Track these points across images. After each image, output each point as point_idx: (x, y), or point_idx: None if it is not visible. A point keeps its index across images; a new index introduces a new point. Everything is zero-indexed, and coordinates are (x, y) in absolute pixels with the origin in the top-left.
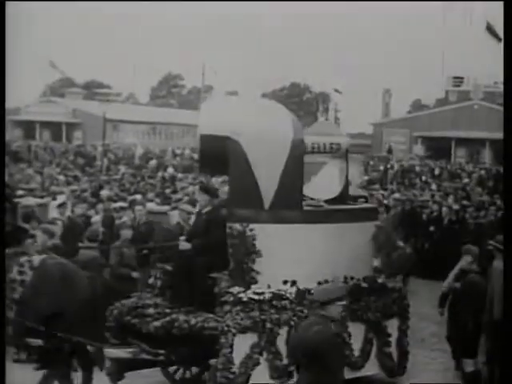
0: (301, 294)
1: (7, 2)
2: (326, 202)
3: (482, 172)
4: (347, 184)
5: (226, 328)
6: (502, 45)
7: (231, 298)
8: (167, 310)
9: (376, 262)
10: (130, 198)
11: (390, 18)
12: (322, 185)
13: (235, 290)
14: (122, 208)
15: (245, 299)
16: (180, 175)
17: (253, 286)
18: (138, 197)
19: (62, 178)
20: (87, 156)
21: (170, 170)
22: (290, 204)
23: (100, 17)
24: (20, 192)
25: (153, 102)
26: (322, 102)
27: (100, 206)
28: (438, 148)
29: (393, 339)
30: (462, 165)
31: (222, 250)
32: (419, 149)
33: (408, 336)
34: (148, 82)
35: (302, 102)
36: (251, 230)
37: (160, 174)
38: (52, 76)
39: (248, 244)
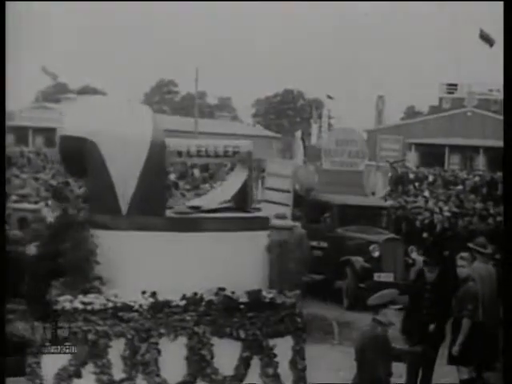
0: (157, 305)
1: (7, 2)
2: (222, 209)
3: (476, 179)
4: (247, 191)
5: (32, 337)
6: (495, 51)
7: (59, 307)
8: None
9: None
10: None
11: (384, 24)
12: (219, 191)
13: (63, 298)
14: None
15: (68, 308)
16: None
17: (83, 295)
18: None
19: (55, 183)
20: None
21: (172, 176)
22: (150, 210)
23: (94, 22)
24: (14, 197)
25: None
26: (316, 109)
27: None
28: (432, 155)
29: (286, 360)
30: (456, 172)
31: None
32: (413, 156)
33: (305, 358)
34: (141, 88)
35: (297, 109)
36: (92, 236)
37: None
38: (45, 81)
39: (87, 251)
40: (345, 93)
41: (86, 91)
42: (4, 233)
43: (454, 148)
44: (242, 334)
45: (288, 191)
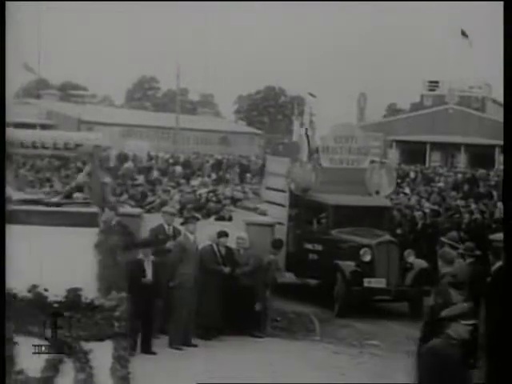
0: None
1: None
2: (65, 203)
3: (458, 176)
4: (92, 185)
5: None
6: (476, 50)
7: None
8: None
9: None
10: None
11: (365, 22)
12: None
13: None
14: None
15: None
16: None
17: None
18: (112, 198)
19: (36, 180)
20: (62, 158)
21: (155, 173)
22: None
23: (76, 19)
24: None
25: (128, 105)
26: (297, 106)
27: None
28: (413, 152)
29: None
30: (437, 169)
31: None
32: (394, 153)
33: (126, 367)
34: (123, 84)
35: (278, 106)
36: None
37: (139, 177)
38: (26, 77)
39: None
40: (326, 90)
41: (67, 87)
42: (4, 232)
43: (435, 145)
44: (49, 334)
45: (283, 191)
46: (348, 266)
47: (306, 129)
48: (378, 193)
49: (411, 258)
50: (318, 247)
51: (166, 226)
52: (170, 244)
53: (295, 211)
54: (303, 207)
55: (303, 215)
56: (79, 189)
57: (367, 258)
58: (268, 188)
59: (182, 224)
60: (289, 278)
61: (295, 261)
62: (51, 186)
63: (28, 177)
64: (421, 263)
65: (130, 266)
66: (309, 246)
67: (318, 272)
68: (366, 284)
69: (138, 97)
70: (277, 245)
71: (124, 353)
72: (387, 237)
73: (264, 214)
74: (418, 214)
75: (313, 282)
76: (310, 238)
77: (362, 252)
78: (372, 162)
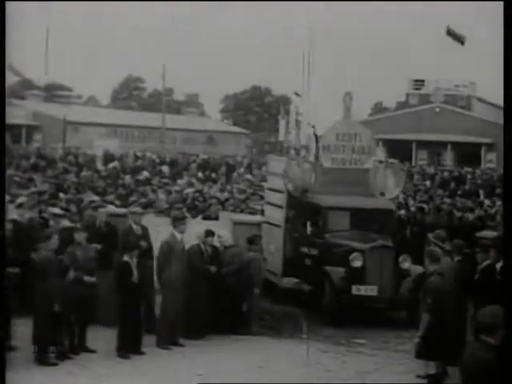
0: None
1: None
2: None
3: (445, 174)
4: None
5: None
6: (462, 47)
7: None
8: None
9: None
10: (88, 199)
11: (351, 20)
12: None
13: None
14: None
15: None
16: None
17: None
18: (96, 198)
19: (21, 180)
20: (47, 158)
21: (146, 173)
22: None
23: (61, 19)
24: None
25: (114, 105)
26: (283, 105)
27: (56, 210)
28: (399, 151)
29: None
30: (423, 167)
31: None
32: (380, 151)
33: None
34: (109, 85)
35: (265, 105)
36: None
37: (124, 176)
38: (11, 77)
39: None
40: (312, 89)
41: (52, 88)
42: (4, 235)
43: (422, 143)
44: None
45: (281, 191)
46: (337, 272)
47: (313, 127)
48: (382, 194)
49: (407, 263)
50: (314, 251)
51: (135, 226)
52: (142, 243)
53: (292, 213)
54: (299, 209)
55: (300, 217)
56: None
57: (357, 263)
58: (268, 189)
59: (172, 224)
60: (285, 283)
61: (292, 265)
62: None
63: None
64: (417, 269)
65: (117, 268)
66: (305, 250)
67: (312, 278)
68: (354, 292)
69: (123, 97)
70: (252, 241)
71: None
72: (380, 241)
73: (252, 212)
74: (403, 212)
75: (307, 287)
76: (306, 241)
77: (351, 257)
78: (380, 162)
